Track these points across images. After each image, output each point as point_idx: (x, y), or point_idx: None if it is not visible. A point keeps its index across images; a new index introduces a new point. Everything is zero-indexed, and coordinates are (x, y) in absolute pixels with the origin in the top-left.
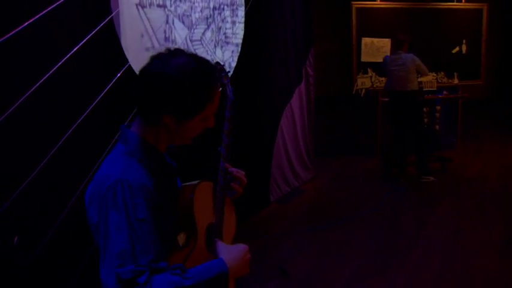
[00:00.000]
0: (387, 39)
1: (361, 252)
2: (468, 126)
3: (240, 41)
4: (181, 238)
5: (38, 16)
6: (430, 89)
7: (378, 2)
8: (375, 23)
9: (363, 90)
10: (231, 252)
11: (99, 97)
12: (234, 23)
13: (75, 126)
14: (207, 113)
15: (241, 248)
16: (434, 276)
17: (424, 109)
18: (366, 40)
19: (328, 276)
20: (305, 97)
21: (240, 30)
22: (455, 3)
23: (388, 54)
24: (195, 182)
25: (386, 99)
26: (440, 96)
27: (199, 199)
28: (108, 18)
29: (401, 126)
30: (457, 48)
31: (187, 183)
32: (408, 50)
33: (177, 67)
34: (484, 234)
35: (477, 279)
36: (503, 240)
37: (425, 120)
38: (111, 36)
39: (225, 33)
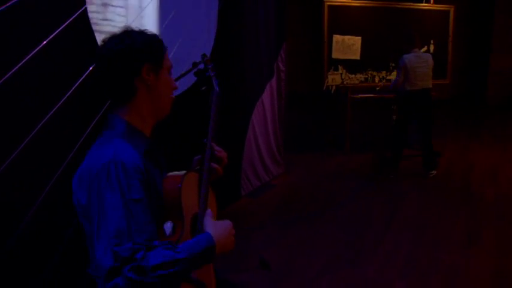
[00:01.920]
0: (358, 37)
1: (332, 244)
2: (435, 124)
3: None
4: (167, 227)
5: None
6: None
7: (350, 0)
8: (347, 20)
9: (333, 87)
10: (217, 228)
11: (74, 87)
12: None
13: (47, 117)
14: (167, 62)
15: (227, 223)
16: (402, 269)
17: (393, 107)
18: (337, 37)
19: (300, 268)
20: (276, 92)
21: None
22: (423, 4)
23: (359, 52)
24: (181, 172)
25: (360, 95)
26: None
27: (186, 189)
28: (83, 8)
29: (409, 124)
30: (425, 48)
31: (172, 173)
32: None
33: (127, 33)
34: (448, 228)
35: (441, 270)
36: (465, 233)
37: (394, 117)
38: (84, 25)
39: None
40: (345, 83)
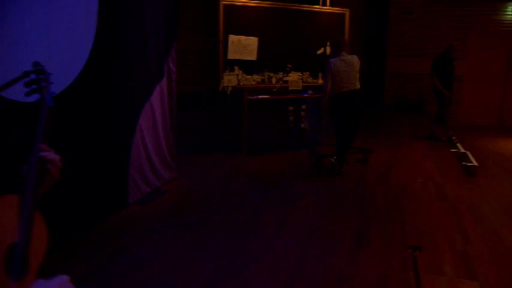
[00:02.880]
0: (254, 38)
1: (219, 254)
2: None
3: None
4: None
5: None
6: (296, 88)
7: (246, 0)
8: (243, 20)
9: (230, 88)
10: None
11: None
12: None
13: None
14: None
15: (62, 280)
16: (289, 276)
17: (290, 108)
18: (233, 38)
19: (184, 281)
20: (167, 94)
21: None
22: (320, 7)
23: (255, 52)
24: None
25: (256, 97)
26: (305, 95)
27: None
28: None
29: (346, 124)
30: (322, 50)
31: None
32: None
33: None
34: (338, 231)
35: (329, 275)
36: (354, 236)
37: (291, 118)
38: None
39: None
40: (241, 84)
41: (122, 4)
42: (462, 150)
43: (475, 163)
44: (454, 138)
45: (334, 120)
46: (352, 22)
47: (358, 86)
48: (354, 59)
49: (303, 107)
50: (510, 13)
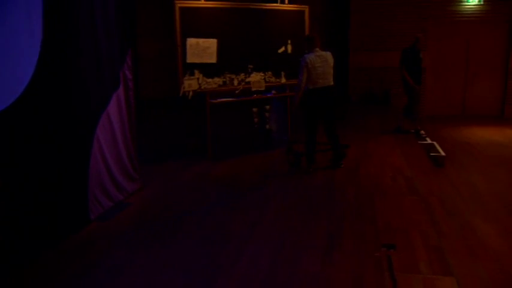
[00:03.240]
0: (213, 40)
1: (187, 268)
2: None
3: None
4: None
5: None
6: (259, 89)
7: (202, 2)
8: (200, 23)
9: (191, 93)
10: None
11: None
12: None
13: None
14: None
15: None
16: (262, 285)
17: (254, 109)
18: (191, 41)
19: None
20: (124, 102)
21: None
22: (278, 5)
23: (215, 55)
24: None
25: (219, 100)
26: (269, 95)
27: None
28: None
29: (318, 121)
30: (283, 48)
31: None
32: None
33: None
34: (309, 233)
35: (305, 283)
36: (326, 238)
37: (256, 120)
38: None
39: None
40: (202, 87)
41: (70, 12)
42: (429, 141)
43: (442, 153)
44: (422, 132)
45: (306, 117)
46: (312, 19)
47: (332, 82)
48: (328, 55)
49: (267, 107)
50: (467, 3)
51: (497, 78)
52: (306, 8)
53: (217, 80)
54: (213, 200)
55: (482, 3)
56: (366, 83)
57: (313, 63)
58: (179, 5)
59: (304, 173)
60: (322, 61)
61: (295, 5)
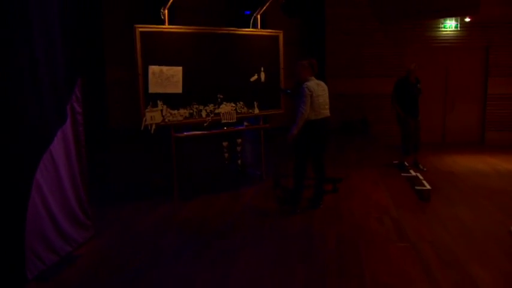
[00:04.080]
0: (178, 67)
1: None
2: (272, 155)
3: None
4: None
5: None
6: (230, 121)
7: (166, 26)
8: (164, 48)
9: (153, 126)
10: None
11: None
12: None
13: None
14: None
15: None
16: None
17: (224, 143)
18: (153, 68)
19: None
20: (72, 139)
21: None
22: (250, 30)
23: (180, 84)
24: None
25: (185, 134)
26: (241, 127)
27: None
28: None
29: (313, 153)
30: (256, 76)
31: None
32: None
33: None
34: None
35: None
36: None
37: (227, 155)
38: None
39: None
40: (166, 120)
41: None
42: (413, 173)
43: (427, 186)
44: (406, 164)
45: (300, 150)
46: (287, 44)
47: (329, 112)
48: (324, 84)
49: (239, 140)
50: (444, 29)
51: (477, 104)
52: (280, 33)
53: (184, 112)
54: (176, 251)
55: (459, 29)
56: (343, 111)
57: (315, 92)
58: (140, 29)
59: (291, 213)
60: (321, 90)
61: (269, 30)
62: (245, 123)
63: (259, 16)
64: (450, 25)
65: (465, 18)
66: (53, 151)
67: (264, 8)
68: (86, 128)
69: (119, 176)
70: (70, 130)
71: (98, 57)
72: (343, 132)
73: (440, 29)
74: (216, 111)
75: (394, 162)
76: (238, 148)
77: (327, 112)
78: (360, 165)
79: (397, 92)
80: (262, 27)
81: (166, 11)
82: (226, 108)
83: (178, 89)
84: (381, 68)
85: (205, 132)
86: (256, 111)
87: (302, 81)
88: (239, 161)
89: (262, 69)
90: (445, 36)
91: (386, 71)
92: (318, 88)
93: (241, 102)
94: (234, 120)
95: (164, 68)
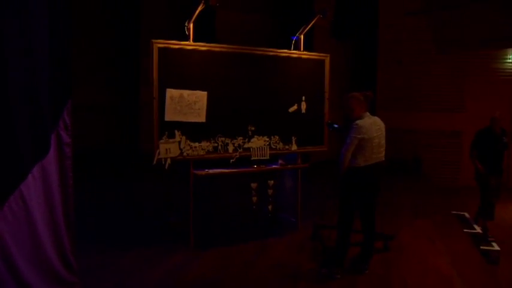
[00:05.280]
0: (203, 92)
1: None
2: (312, 197)
3: None
4: None
5: None
6: (261, 158)
7: (190, 43)
8: (187, 69)
9: (168, 160)
10: None
11: None
12: None
13: None
14: None
15: None
16: None
17: (252, 185)
18: (172, 92)
19: None
20: (57, 176)
21: None
22: (291, 51)
23: (204, 112)
24: None
25: (207, 171)
26: (274, 166)
27: None
28: None
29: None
30: (295, 107)
31: None
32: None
33: None
34: None
35: None
36: None
37: (255, 199)
38: None
39: None
40: (184, 154)
41: None
42: (477, 229)
43: (495, 247)
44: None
45: (345, 201)
46: (333, 72)
47: (384, 157)
48: (381, 122)
49: (271, 182)
50: (511, 61)
51: None
52: (326, 57)
53: (206, 145)
54: None
55: None
56: (393, 147)
57: (370, 134)
58: (158, 45)
59: (329, 277)
60: (377, 129)
61: (314, 53)
62: (280, 162)
63: (302, 37)
64: None
65: None
66: (24, 191)
67: (309, 25)
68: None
69: (130, 210)
70: (54, 165)
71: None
72: (392, 170)
73: (506, 60)
74: (246, 145)
75: (453, 212)
76: (270, 191)
77: (380, 156)
78: (413, 213)
79: (477, 144)
80: (305, 49)
81: (191, 25)
82: (258, 142)
83: (201, 118)
84: (438, 102)
85: (231, 170)
86: (294, 147)
87: (354, 118)
88: (270, 207)
89: (303, 98)
90: (510, 69)
91: (443, 104)
92: (372, 128)
93: (277, 137)
94: (267, 157)
95: (185, 93)
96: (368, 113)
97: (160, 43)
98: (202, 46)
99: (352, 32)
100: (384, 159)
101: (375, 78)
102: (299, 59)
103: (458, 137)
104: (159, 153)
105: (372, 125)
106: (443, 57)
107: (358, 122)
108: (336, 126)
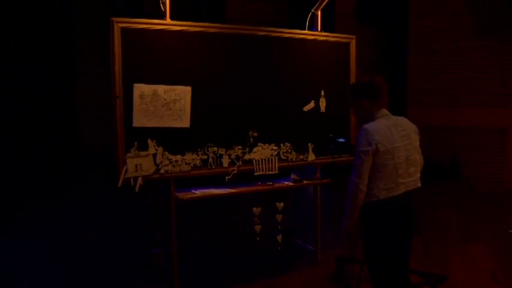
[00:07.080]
0: (185, 88)
1: None
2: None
3: None
4: None
5: None
6: (267, 172)
7: (167, 21)
8: (162, 57)
9: (139, 180)
10: None
11: None
12: None
13: None
14: None
15: None
16: None
17: (255, 210)
18: (142, 88)
19: None
20: None
21: None
22: (306, 32)
23: (188, 114)
24: None
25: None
26: (285, 183)
27: None
28: None
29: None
30: (312, 104)
31: None
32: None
33: None
34: None
35: None
36: None
37: (258, 228)
38: None
39: None
40: (162, 171)
41: None
42: None
43: None
44: None
45: (368, 253)
46: (358, 64)
47: (419, 179)
48: (408, 124)
49: (280, 205)
50: None
51: None
52: (352, 39)
53: (192, 158)
54: None
55: None
56: (427, 148)
57: (388, 142)
58: (121, 24)
59: None
60: (402, 136)
61: (335, 35)
62: (292, 177)
63: (319, 13)
64: None
65: None
66: None
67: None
68: None
69: (105, 237)
70: None
71: None
72: (427, 175)
73: None
74: (246, 157)
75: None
76: (279, 217)
77: (413, 180)
78: (462, 233)
79: None
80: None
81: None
82: (262, 152)
83: (184, 122)
84: (478, 96)
85: (226, 191)
86: (311, 157)
87: (366, 119)
88: (279, 237)
89: (322, 93)
90: None
91: (485, 99)
92: (394, 134)
93: (288, 144)
94: (275, 171)
95: (161, 88)
96: (385, 110)
97: (123, 21)
98: (182, 25)
99: (380, 15)
100: (419, 185)
101: (406, 70)
102: (315, 41)
103: (502, 135)
104: (126, 171)
105: (392, 130)
106: (483, 45)
107: (366, 126)
108: (342, 140)
